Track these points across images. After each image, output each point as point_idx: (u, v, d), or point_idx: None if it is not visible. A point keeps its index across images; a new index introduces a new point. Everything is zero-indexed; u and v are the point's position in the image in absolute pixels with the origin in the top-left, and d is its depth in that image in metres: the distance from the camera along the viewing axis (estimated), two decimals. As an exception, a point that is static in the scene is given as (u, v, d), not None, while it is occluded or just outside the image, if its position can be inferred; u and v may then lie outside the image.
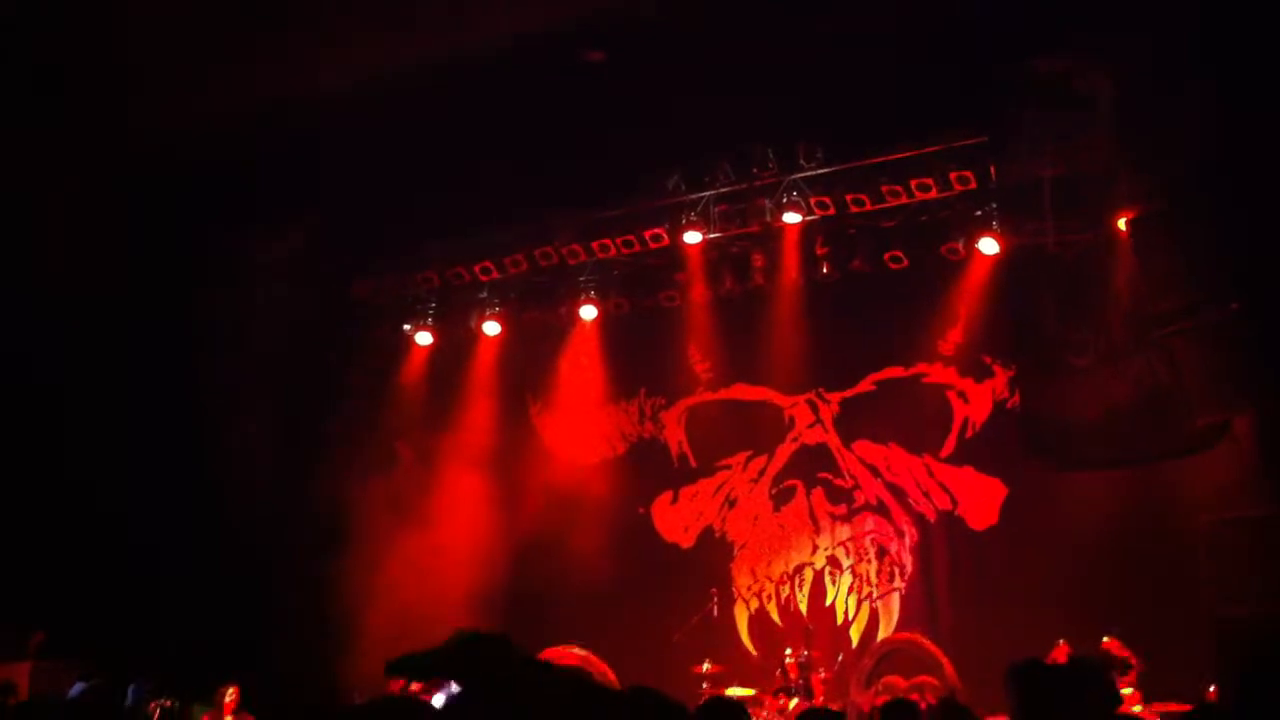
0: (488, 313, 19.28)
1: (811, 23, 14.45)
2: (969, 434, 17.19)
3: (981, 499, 16.91)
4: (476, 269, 18.94)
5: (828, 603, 17.64)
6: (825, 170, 17.07)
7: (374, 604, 16.38)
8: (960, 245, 16.65)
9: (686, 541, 18.73)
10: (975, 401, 17.17)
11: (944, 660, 15.75)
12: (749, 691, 15.67)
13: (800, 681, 15.49)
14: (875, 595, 17.38)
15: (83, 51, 14.89)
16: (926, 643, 16.16)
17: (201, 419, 17.44)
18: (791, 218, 17.19)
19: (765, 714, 15.15)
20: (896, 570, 17.34)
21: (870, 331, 17.77)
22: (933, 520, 17.19)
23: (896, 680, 15.81)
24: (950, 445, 17.23)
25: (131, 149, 16.26)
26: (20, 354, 16.00)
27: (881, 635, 17.08)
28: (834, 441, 17.96)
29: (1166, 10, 13.28)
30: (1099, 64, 14.30)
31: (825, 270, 17.38)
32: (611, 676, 15.14)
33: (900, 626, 17.01)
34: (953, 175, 16.28)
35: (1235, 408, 13.57)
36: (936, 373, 17.41)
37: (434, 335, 19.64)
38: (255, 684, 15.18)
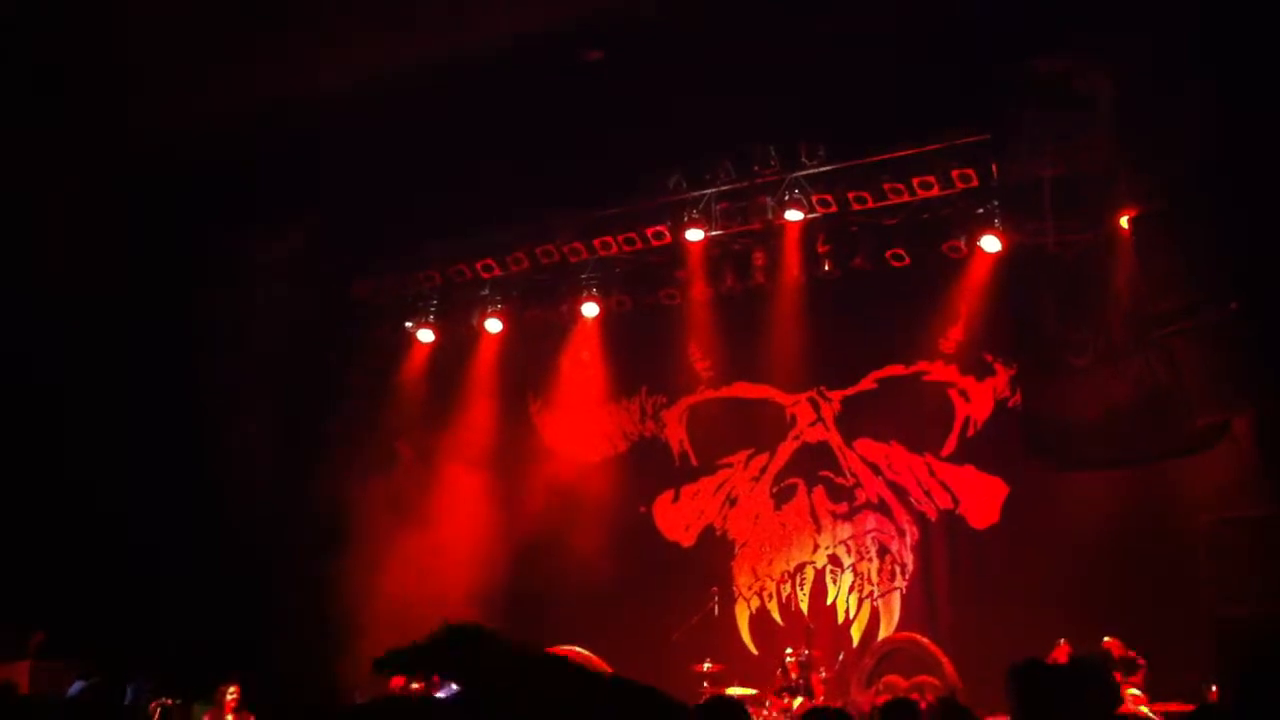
0: (489, 310, 19.28)
1: (811, 23, 14.45)
2: (970, 433, 17.18)
3: (982, 498, 16.90)
4: (478, 266, 18.96)
5: (828, 601, 17.63)
6: (827, 168, 17.07)
7: (374, 604, 16.38)
8: (962, 243, 16.64)
9: (687, 540, 18.73)
10: (976, 400, 17.16)
11: (944, 660, 15.77)
12: (750, 691, 15.66)
13: (800, 681, 15.48)
14: (876, 594, 17.37)
15: (83, 51, 14.89)
16: (927, 642, 16.17)
17: (201, 419, 17.44)
18: (793, 215, 17.19)
19: (768, 713, 15.14)
20: (898, 569, 17.33)
21: (872, 329, 17.77)
22: (934, 519, 17.19)
23: (897, 679, 15.84)
24: (951, 444, 17.23)
25: (131, 149, 16.26)
26: (20, 354, 16.00)
27: (882, 634, 17.08)
28: (835, 440, 17.95)
29: (1166, 10, 13.28)
30: (1099, 64, 14.30)
31: (827, 268, 17.37)
32: (612, 676, 15.11)
33: (901, 625, 17.01)
34: (954, 173, 16.28)
35: (1235, 408, 13.56)
36: (938, 371, 17.40)
37: (435, 333, 19.65)
38: (255, 683, 15.19)
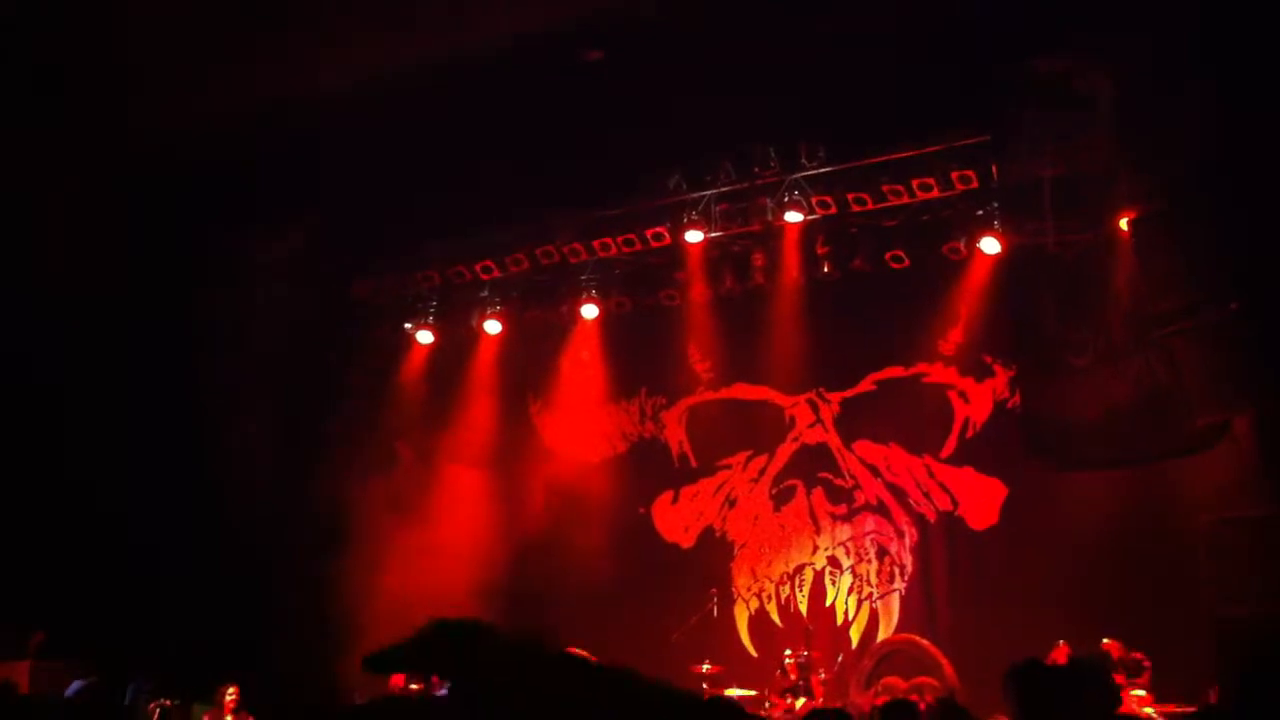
0: (489, 311, 19.28)
1: (811, 23, 14.44)
2: (969, 434, 17.18)
3: (982, 499, 16.89)
4: (478, 268, 18.96)
5: (828, 603, 17.63)
6: (826, 169, 17.05)
7: (374, 604, 16.36)
8: (962, 245, 16.63)
9: (687, 541, 18.72)
10: (976, 401, 17.15)
11: (943, 661, 15.77)
12: (750, 692, 15.67)
13: (800, 682, 15.48)
14: (875, 596, 17.36)
15: (83, 51, 14.89)
16: (926, 644, 16.18)
17: (201, 419, 17.43)
18: (793, 217, 17.18)
19: (771, 714, 15.15)
20: (897, 570, 17.32)
21: (871, 331, 17.76)
22: (933, 520, 17.18)
23: (896, 681, 15.85)
24: (951, 445, 17.22)
25: (131, 149, 16.25)
26: (20, 354, 15.99)
27: (881, 636, 17.07)
28: (834, 441, 17.95)
29: (1166, 10, 13.27)
30: (1099, 64, 14.29)
31: (826, 269, 17.36)
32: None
33: (900, 627, 17.01)
34: (954, 175, 16.26)
35: (1235, 408, 13.56)
36: (937, 373, 17.39)
37: (435, 334, 19.64)
38: (255, 684, 15.18)
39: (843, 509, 17.77)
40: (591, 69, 15.88)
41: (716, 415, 18.95)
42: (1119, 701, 11.36)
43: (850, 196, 16.84)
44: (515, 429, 19.45)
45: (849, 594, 17.53)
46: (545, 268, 18.71)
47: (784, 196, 17.17)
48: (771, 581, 18.03)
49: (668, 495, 18.91)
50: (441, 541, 17.56)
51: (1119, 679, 12.72)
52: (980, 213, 16.40)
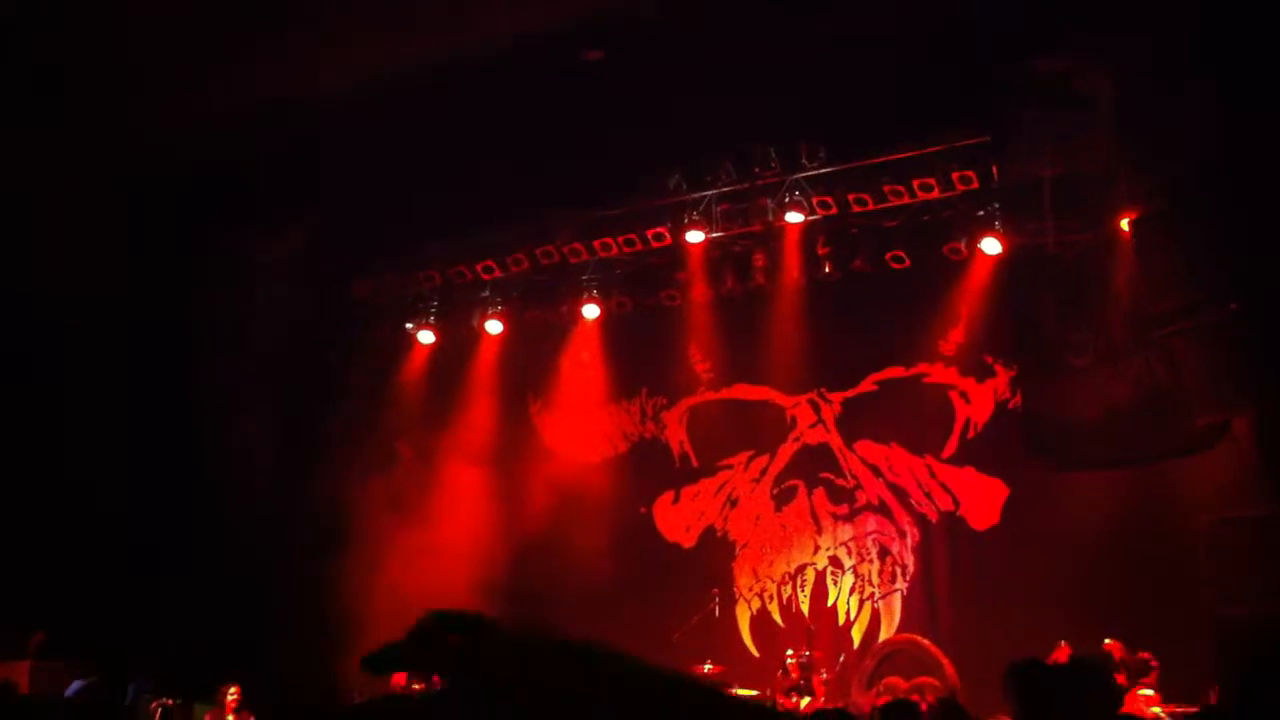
0: (490, 311, 19.27)
1: (811, 23, 14.44)
2: (970, 434, 17.16)
3: (983, 499, 16.88)
4: (479, 267, 18.95)
5: (829, 603, 17.61)
6: (827, 170, 17.06)
7: (374, 603, 16.34)
8: (962, 245, 16.62)
9: (688, 541, 18.71)
10: (977, 402, 17.14)
11: (945, 661, 15.75)
12: (751, 692, 15.65)
13: (801, 682, 15.48)
14: (877, 596, 17.35)
15: (83, 51, 14.89)
16: (927, 644, 16.17)
17: (201, 419, 17.43)
18: (793, 217, 17.18)
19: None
20: (898, 571, 17.31)
21: (872, 331, 17.75)
22: (934, 520, 17.16)
23: (897, 681, 15.83)
24: (952, 445, 17.20)
25: (131, 149, 16.26)
26: (20, 354, 15.99)
27: (883, 636, 17.05)
28: (836, 441, 17.94)
29: (1166, 10, 13.27)
30: (1099, 64, 14.29)
31: (827, 270, 17.36)
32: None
33: (902, 627, 16.99)
34: (955, 175, 16.25)
35: (1235, 408, 13.56)
36: (938, 373, 17.38)
37: (436, 334, 19.64)
38: (255, 684, 15.18)
39: (844, 509, 17.76)
40: (591, 69, 15.88)
41: (717, 415, 18.94)
42: (1120, 701, 11.39)
43: (851, 197, 16.83)
44: (516, 429, 19.44)
45: (851, 594, 17.52)
46: (546, 268, 18.71)
47: (785, 197, 17.17)
48: (773, 581, 18.02)
49: (669, 495, 18.90)
50: (442, 541, 17.54)
51: (1120, 679, 12.72)
52: (981, 213, 16.39)
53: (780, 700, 15.32)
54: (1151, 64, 13.54)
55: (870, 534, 17.55)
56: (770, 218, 17.40)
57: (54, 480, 16.41)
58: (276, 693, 15.11)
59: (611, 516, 18.27)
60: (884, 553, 17.43)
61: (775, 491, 18.23)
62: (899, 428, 17.58)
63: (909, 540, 17.32)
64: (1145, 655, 13.39)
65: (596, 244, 18.23)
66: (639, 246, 18.14)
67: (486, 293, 19.34)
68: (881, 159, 16.68)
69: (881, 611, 17.28)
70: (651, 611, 17.30)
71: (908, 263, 16.96)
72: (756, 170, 17.46)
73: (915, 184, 16.43)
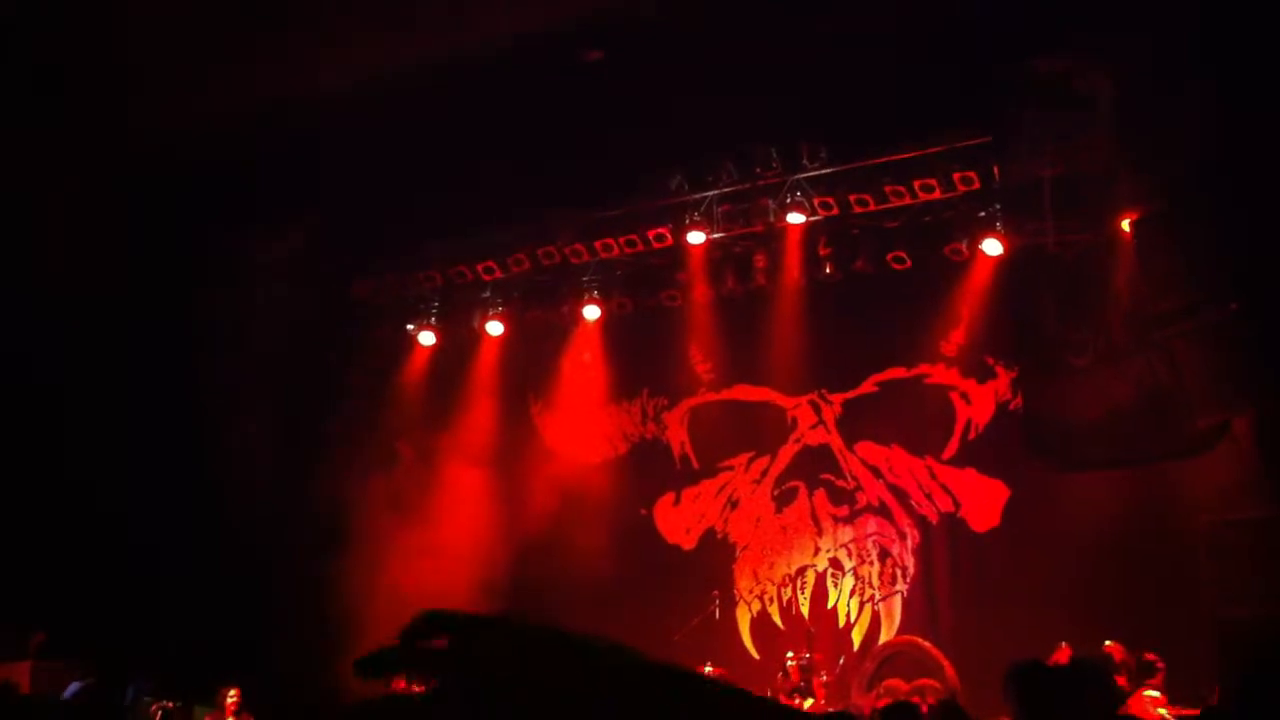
0: (490, 312, 19.24)
1: (811, 23, 14.44)
2: (971, 436, 17.14)
3: (984, 501, 16.85)
4: (479, 268, 18.92)
5: (830, 605, 17.59)
6: (828, 170, 17.03)
7: (374, 604, 16.33)
8: (963, 246, 16.59)
9: (688, 543, 18.69)
10: (978, 403, 17.12)
11: (945, 663, 15.73)
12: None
13: (802, 684, 15.48)
14: (877, 597, 17.33)
15: (83, 51, 14.89)
16: (928, 645, 16.15)
17: (201, 419, 17.42)
18: (795, 218, 17.15)
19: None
20: (899, 572, 17.28)
21: (873, 332, 17.73)
22: (935, 522, 17.14)
23: (898, 683, 15.81)
24: (953, 447, 17.18)
25: (131, 149, 16.26)
26: (20, 354, 15.99)
27: (883, 638, 17.02)
28: (836, 443, 17.91)
29: (1166, 10, 13.27)
30: (1099, 64, 14.29)
31: (828, 271, 17.34)
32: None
33: (902, 629, 16.96)
34: (956, 176, 16.23)
35: (1235, 408, 13.56)
36: (939, 374, 17.36)
37: (437, 335, 19.62)
38: (255, 684, 15.17)
39: (844, 511, 17.73)
40: (592, 69, 15.88)
41: (718, 416, 18.91)
42: (1120, 702, 11.38)
43: (852, 197, 16.81)
44: (516, 430, 19.41)
45: (851, 596, 17.50)
46: (547, 268, 18.68)
47: (786, 197, 17.15)
48: (773, 583, 18.00)
49: (669, 496, 18.88)
50: (442, 542, 17.53)
51: (1121, 681, 12.70)
52: (982, 214, 16.37)
53: (784, 701, 15.30)
54: (1151, 64, 13.54)
55: (871, 536, 17.52)
56: (771, 218, 17.37)
57: (54, 480, 16.40)
58: (276, 693, 15.10)
59: (612, 517, 18.25)
60: (884, 554, 17.41)
61: (776, 493, 18.20)
62: (900, 429, 17.55)
63: (909, 542, 17.30)
64: (1151, 656, 13.37)
65: (597, 244, 18.20)
66: (640, 247, 18.11)
67: (487, 293, 19.31)
68: (883, 159, 16.65)
69: (882, 613, 17.25)
70: (652, 613, 17.26)
71: (909, 263, 16.94)
72: (758, 171, 17.45)
73: (916, 184, 16.40)
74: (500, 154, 16.20)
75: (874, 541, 17.49)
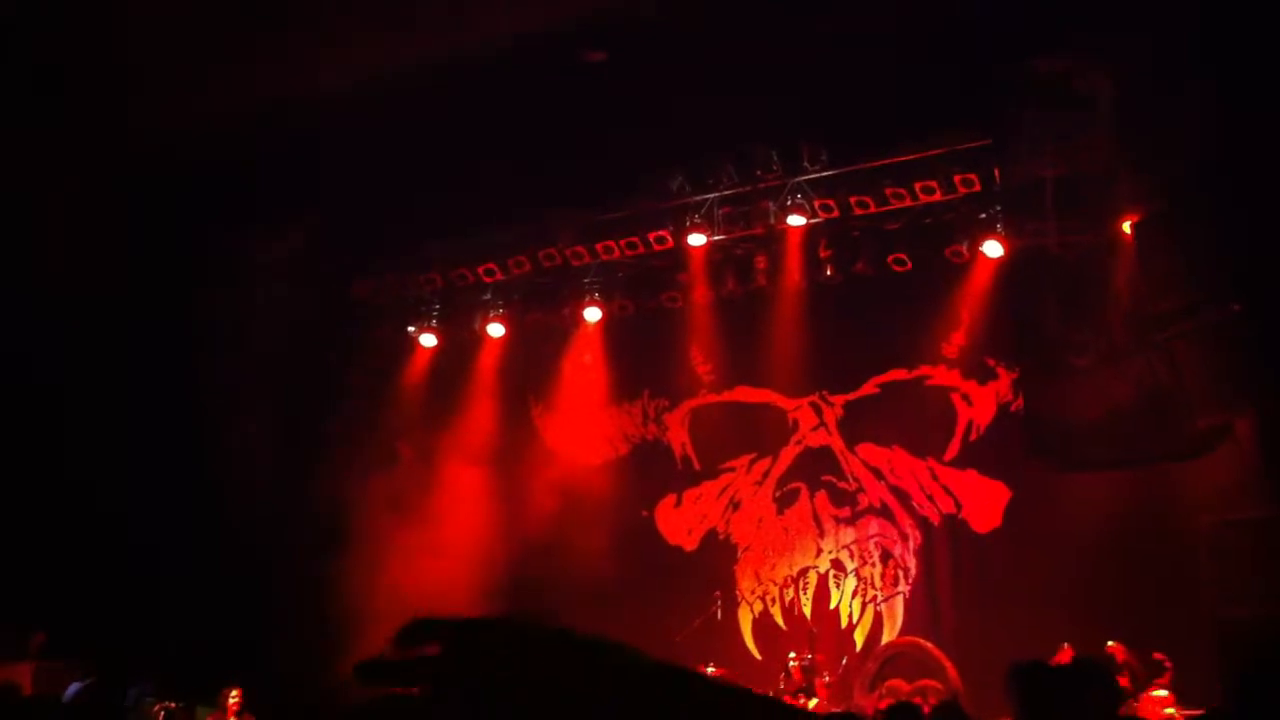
0: (491, 314, 19.24)
1: (811, 23, 14.43)
2: (973, 437, 17.15)
3: (985, 502, 16.86)
4: (480, 270, 18.92)
5: (831, 606, 17.59)
6: (829, 173, 17.05)
7: (375, 604, 16.33)
8: (964, 248, 16.60)
9: (690, 544, 18.69)
10: (979, 404, 17.13)
11: (947, 664, 15.74)
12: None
13: (804, 685, 15.48)
14: (879, 598, 17.34)
15: (83, 51, 14.89)
16: (930, 646, 16.15)
17: (201, 419, 17.42)
18: (795, 220, 17.17)
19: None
20: (900, 573, 17.29)
21: (874, 334, 17.73)
22: (936, 523, 17.15)
23: (900, 684, 15.82)
24: (954, 448, 17.18)
25: (131, 149, 16.26)
26: (20, 354, 15.98)
27: (885, 639, 17.03)
28: (838, 444, 17.92)
29: (1166, 10, 13.28)
30: (1099, 64, 14.30)
31: (829, 273, 17.35)
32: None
33: (904, 630, 16.97)
34: (957, 178, 16.26)
35: (1236, 408, 13.56)
36: (940, 375, 17.37)
37: (438, 337, 19.61)
38: (255, 684, 15.16)
39: (846, 512, 17.73)
40: (592, 69, 15.87)
41: (719, 418, 18.92)
42: (1122, 701, 11.38)
43: (853, 199, 16.83)
44: (517, 431, 19.40)
45: (853, 597, 17.50)
46: (548, 270, 18.69)
47: (786, 200, 17.16)
48: (775, 584, 18.00)
49: (671, 498, 18.88)
50: (443, 542, 17.52)
51: (1123, 681, 12.70)
52: (983, 216, 16.39)
53: (788, 701, 15.29)
54: (1151, 64, 13.55)
55: (872, 537, 17.53)
56: (772, 220, 17.39)
57: (54, 480, 16.40)
58: (276, 693, 15.09)
59: (613, 518, 18.26)
60: (886, 555, 17.42)
61: (777, 494, 18.21)
62: (901, 430, 17.56)
63: (911, 543, 17.30)
64: (1159, 656, 13.38)
65: (598, 246, 18.22)
66: (641, 249, 18.13)
67: (488, 295, 19.31)
68: (883, 162, 16.66)
69: (884, 614, 17.26)
70: (653, 614, 17.26)
71: (909, 265, 16.95)
72: (758, 173, 17.46)
73: (917, 186, 16.43)
74: (500, 154, 16.19)
75: (876, 543, 17.50)
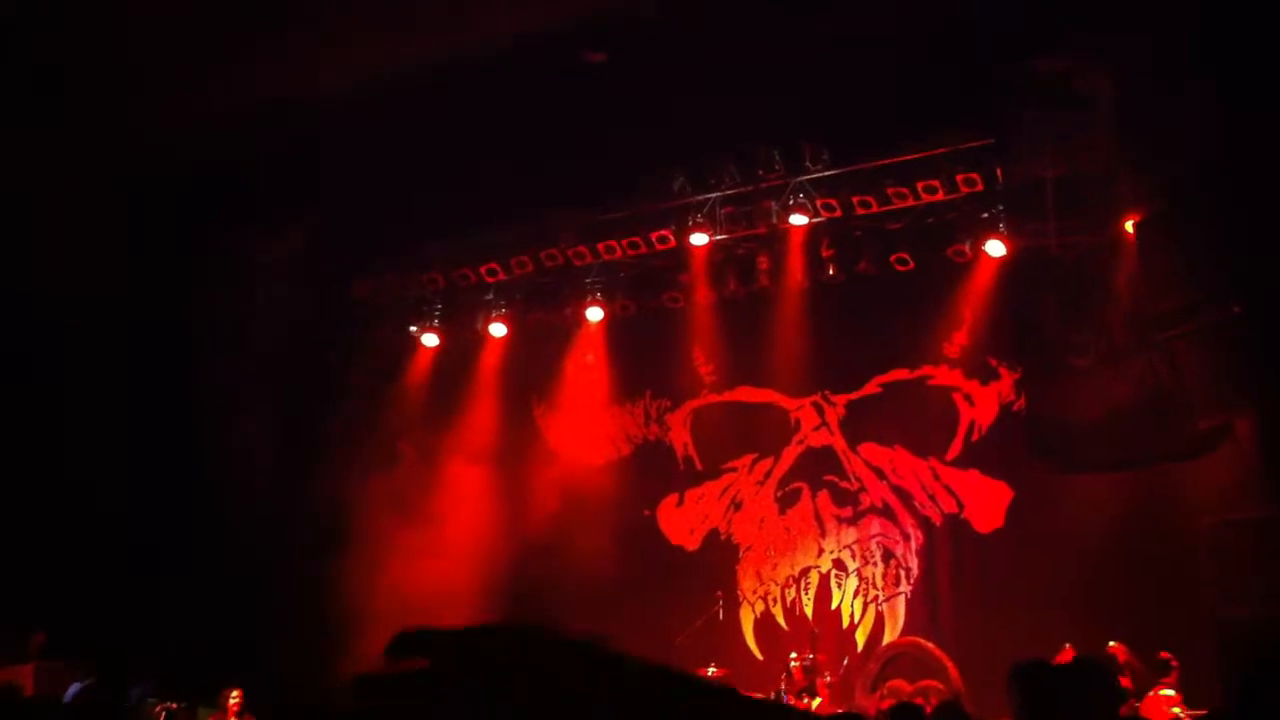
0: (493, 314, 19.23)
1: (811, 23, 14.43)
2: (975, 437, 17.13)
3: (987, 502, 16.85)
4: (482, 270, 18.91)
5: (833, 606, 17.57)
6: (831, 172, 17.03)
7: (375, 604, 16.33)
8: (966, 247, 16.58)
9: (692, 544, 18.68)
10: (981, 404, 17.11)
11: (949, 664, 15.73)
12: (755, 695, 15.58)
13: (806, 685, 15.47)
14: (881, 598, 17.33)
15: (83, 51, 14.89)
16: (931, 646, 16.14)
17: (201, 419, 17.43)
18: (797, 220, 17.16)
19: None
20: (902, 573, 17.28)
21: (876, 334, 17.72)
22: (938, 523, 17.14)
23: (901, 684, 15.83)
24: (956, 448, 17.17)
25: (131, 149, 16.27)
26: (20, 354, 15.99)
27: (887, 639, 17.02)
28: (840, 444, 17.90)
29: (1166, 10, 13.27)
30: (1099, 64, 14.30)
31: (831, 272, 17.33)
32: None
33: (906, 630, 16.97)
34: (959, 177, 16.23)
35: (1236, 409, 13.56)
36: (942, 375, 17.35)
37: (440, 337, 19.61)
38: (256, 684, 15.16)
39: (848, 512, 17.72)
40: (593, 69, 15.87)
41: (721, 418, 18.91)
42: (1123, 700, 11.37)
43: (855, 199, 16.80)
44: (519, 431, 19.40)
45: (854, 597, 17.49)
46: (550, 270, 18.68)
47: (789, 199, 17.15)
48: (777, 584, 17.99)
49: (673, 498, 18.87)
50: (444, 543, 17.53)
51: (1125, 682, 12.70)
52: (985, 216, 16.37)
53: (792, 701, 15.30)
54: (1151, 64, 13.55)
55: (874, 537, 17.52)
56: (774, 220, 17.38)
57: (54, 480, 16.41)
58: (277, 693, 15.09)
59: (615, 518, 18.26)
60: (888, 555, 17.40)
61: (779, 494, 18.19)
62: (903, 430, 17.55)
63: (913, 543, 17.29)
64: (1166, 655, 13.37)
65: (600, 246, 18.20)
66: (643, 249, 18.10)
67: (490, 295, 19.30)
68: (885, 161, 16.65)
69: (885, 614, 17.25)
70: (655, 614, 17.29)
71: (912, 265, 16.93)
72: (760, 173, 17.45)
73: (919, 186, 16.40)
74: (501, 154, 16.20)
75: (878, 543, 17.49)
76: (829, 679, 15.78)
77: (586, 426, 19.36)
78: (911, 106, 15.42)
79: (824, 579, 17.74)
